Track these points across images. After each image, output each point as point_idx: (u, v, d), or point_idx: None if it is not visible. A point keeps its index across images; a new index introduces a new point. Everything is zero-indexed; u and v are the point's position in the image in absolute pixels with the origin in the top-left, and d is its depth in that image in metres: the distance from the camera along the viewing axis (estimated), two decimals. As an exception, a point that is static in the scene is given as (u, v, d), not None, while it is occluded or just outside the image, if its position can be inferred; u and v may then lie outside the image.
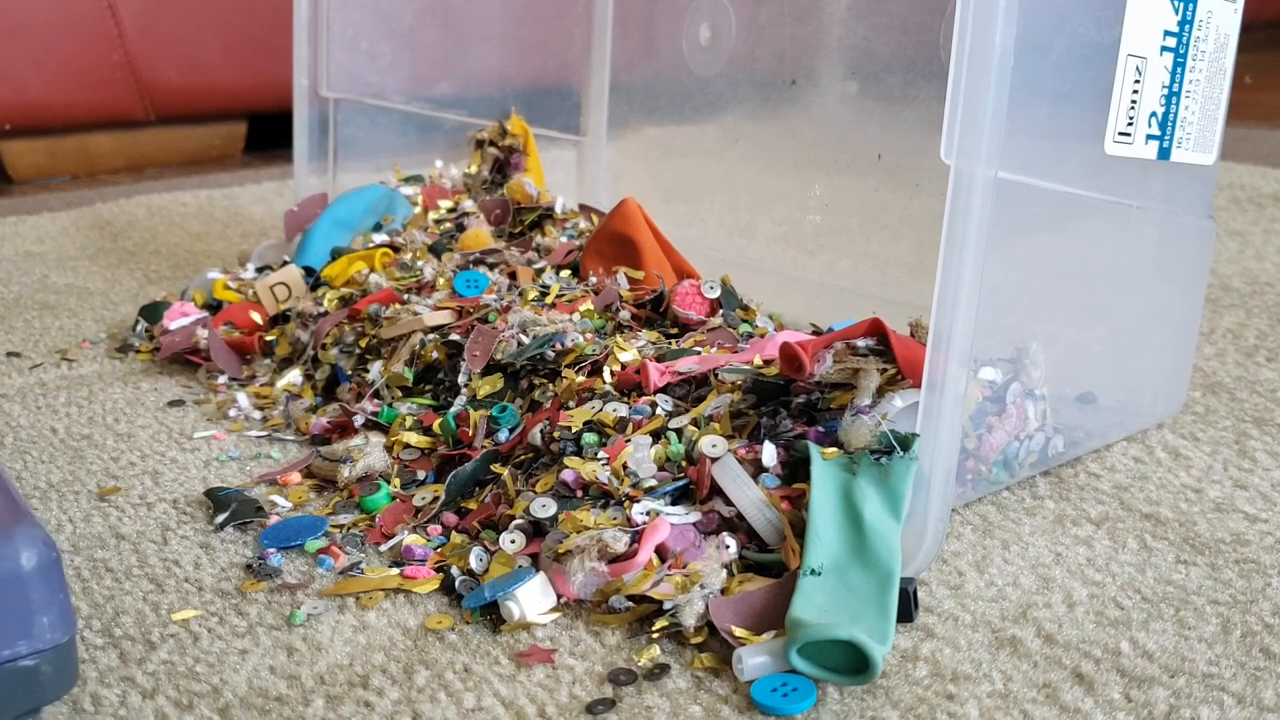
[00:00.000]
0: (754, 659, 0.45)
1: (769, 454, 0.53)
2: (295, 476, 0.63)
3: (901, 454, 0.50)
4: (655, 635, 0.48)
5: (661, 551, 0.51)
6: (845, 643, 0.44)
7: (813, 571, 0.48)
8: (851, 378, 0.53)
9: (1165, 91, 0.58)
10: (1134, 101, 0.56)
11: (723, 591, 0.49)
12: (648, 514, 0.52)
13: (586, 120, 0.98)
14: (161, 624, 0.50)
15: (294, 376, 0.75)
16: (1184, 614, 0.49)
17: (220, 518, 0.58)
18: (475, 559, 0.53)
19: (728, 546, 0.51)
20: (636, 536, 0.51)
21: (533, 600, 0.50)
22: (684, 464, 0.55)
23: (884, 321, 0.55)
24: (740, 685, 0.45)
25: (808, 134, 0.81)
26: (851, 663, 0.44)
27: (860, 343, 0.55)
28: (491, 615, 0.50)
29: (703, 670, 0.46)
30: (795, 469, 0.53)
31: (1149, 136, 0.58)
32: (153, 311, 0.85)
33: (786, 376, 0.56)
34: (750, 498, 0.52)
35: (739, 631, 0.47)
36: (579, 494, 0.55)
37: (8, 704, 0.43)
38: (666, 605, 0.48)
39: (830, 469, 0.51)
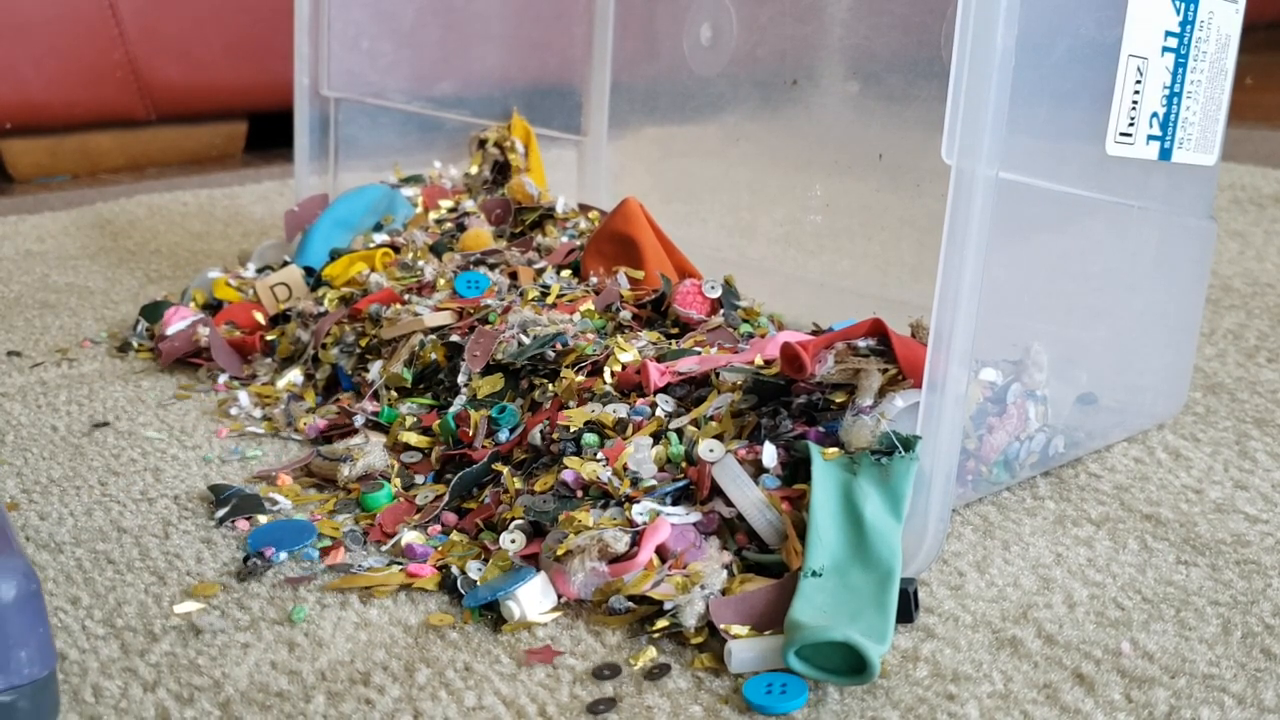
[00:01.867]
0: (743, 653, 0.45)
1: (769, 455, 0.53)
2: (288, 477, 0.63)
3: (902, 454, 0.50)
4: (656, 635, 0.48)
5: (662, 552, 0.51)
6: (844, 643, 0.44)
7: (814, 573, 0.48)
8: (853, 378, 0.53)
9: (1166, 92, 0.58)
10: (1135, 102, 0.56)
11: (723, 592, 0.49)
12: (648, 514, 0.52)
13: (587, 120, 0.98)
14: (163, 616, 0.50)
15: (295, 376, 0.75)
16: (1184, 615, 0.49)
17: (221, 512, 0.58)
18: (474, 572, 0.52)
19: (728, 547, 0.51)
20: (637, 537, 0.51)
21: (533, 600, 0.50)
22: (684, 465, 0.55)
23: (885, 322, 0.55)
24: (740, 685, 0.45)
25: (809, 134, 0.81)
26: (850, 663, 0.44)
27: (861, 343, 0.55)
28: (492, 614, 0.50)
29: (703, 670, 0.46)
30: (796, 469, 0.53)
31: (1150, 137, 0.58)
32: (153, 311, 0.85)
33: (787, 376, 0.56)
34: (750, 498, 0.52)
35: (735, 630, 0.47)
36: (579, 494, 0.55)
37: None
38: (667, 606, 0.48)
39: (831, 469, 0.51)
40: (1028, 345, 0.57)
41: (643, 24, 0.93)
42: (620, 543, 0.50)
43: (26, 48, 1.40)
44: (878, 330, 0.55)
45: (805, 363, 0.54)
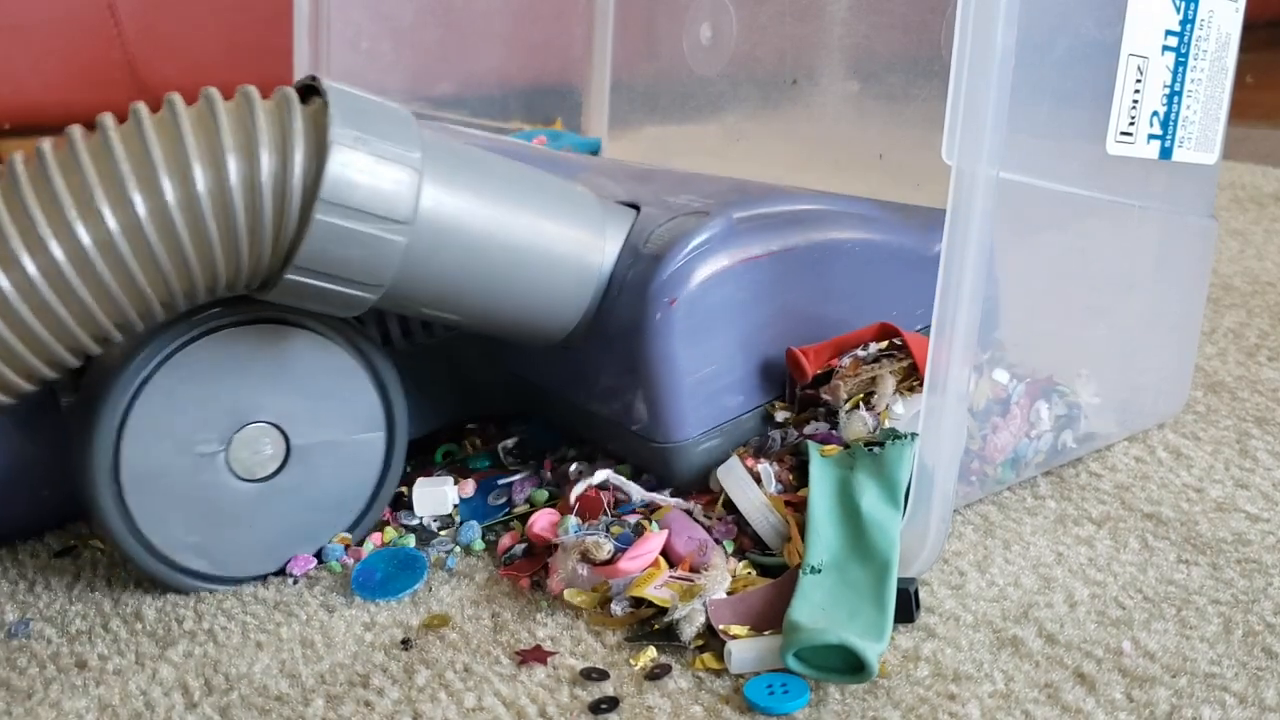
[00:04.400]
0: (744, 653, 0.45)
1: (766, 473, 0.53)
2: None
3: (894, 440, 0.50)
4: (655, 636, 0.48)
5: (669, 554, 0.51)
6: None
7: (812, 569, 0.48)
8: (870, 386, 0.54)
9: (1167, 91, 0.58)
10: (1135, 101, 0.56)
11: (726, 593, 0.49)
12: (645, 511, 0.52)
13: (588, 119, 0.98)
14: (177, 620, 0.50)
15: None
16: (1185, 614, 0.49)
17: None
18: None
19: (732, 554, 0.51)
20: (629, 541, 0.50)
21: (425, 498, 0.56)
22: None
23: (894, 324, 0.55)
24: (741, 685, 0.45)
25: (809, 134, 0.81)
26: (849, 662, 0.44)
27: (862, 351, 0.55)
28: (493, 615, 0.50)
29: (704, 670, 0.46)
30: (801, 472, 0.53)
31: (1151, 136, 0.58)
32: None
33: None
34: (753, 501, 0.51)
35: (734, 630, 0.47)
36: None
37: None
38: (671, 615, 0.48)
39: (828, 465, 0.51)
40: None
41: (642, 24, 0.93)
42: (603, 550, 0.50)
43: (25, 48, 1.40)
44: (887, 334, 0.56)
45: (806, 369, 0.54)
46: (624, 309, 0.53)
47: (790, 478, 0.53)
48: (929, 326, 0.53)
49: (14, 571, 0.55)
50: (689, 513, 0.53)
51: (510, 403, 0.63)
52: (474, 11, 1.02)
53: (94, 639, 0.49)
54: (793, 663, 0.44)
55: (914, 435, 0.50)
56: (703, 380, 0.53)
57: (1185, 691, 0.44)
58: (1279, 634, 0.47)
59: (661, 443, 0.53)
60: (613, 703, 0.44)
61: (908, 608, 0.48)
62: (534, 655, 0.47)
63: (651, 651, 0.47)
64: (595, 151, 0.92)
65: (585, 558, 0.50)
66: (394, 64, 1.02)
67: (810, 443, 0.52)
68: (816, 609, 0.46)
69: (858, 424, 0.51)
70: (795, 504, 0.52)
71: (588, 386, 0.56)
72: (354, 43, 1.00)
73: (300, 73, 0.99)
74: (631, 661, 0.46)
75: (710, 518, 0.53)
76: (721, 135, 0.87)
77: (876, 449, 0.50)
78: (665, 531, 0.51)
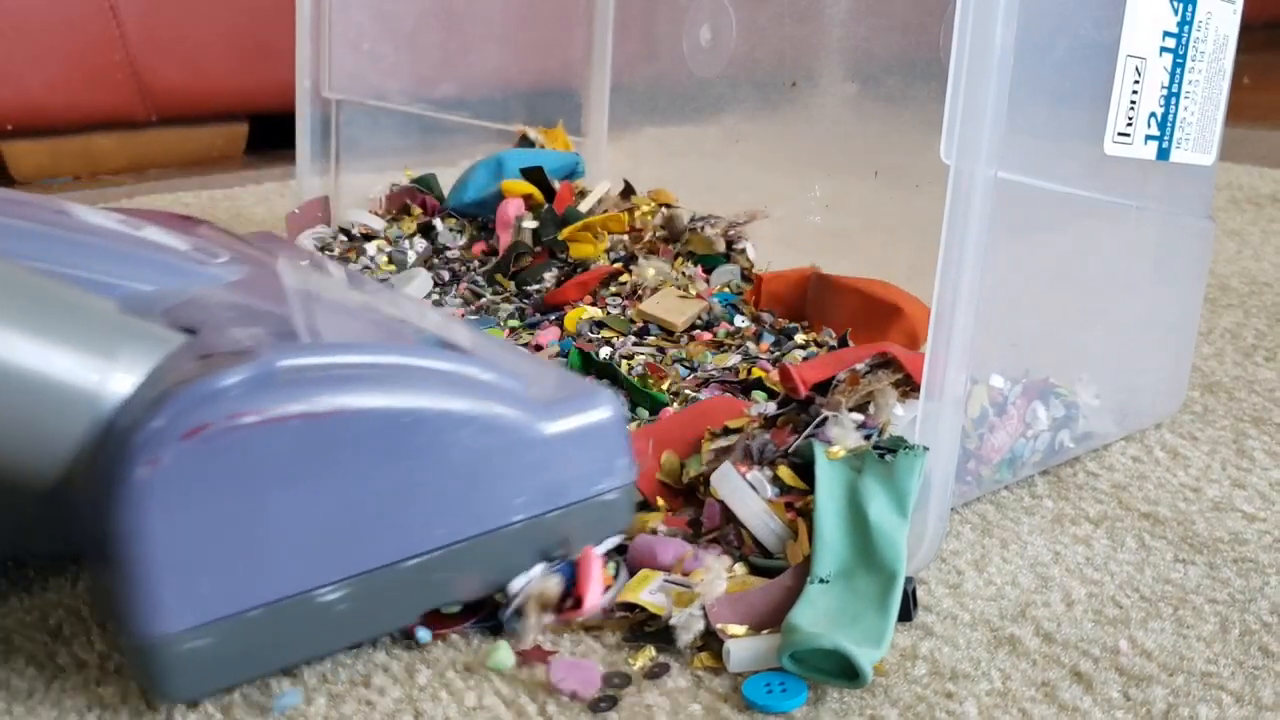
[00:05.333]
0: (742, 652, 0.45)
1: (758, 479, 0.53)
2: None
3: (906, 449, 0.50)
4: (652, 636, 0.48)
5: (648, 561, 0.51)
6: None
7: (821, 580, 0.48)
8: (867, 398, 0.54)
9: (1165, 92, 0.58)
10: (1133, 102, 0.57)
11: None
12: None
13: (588, 121, 0.98)
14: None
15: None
16: (1182, 613, 0.49)
17: None
18: None
19: (731, 554, 0.51)
20: (573, 573, 0.49)
21: None
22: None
23: (891, 346, 0.56)
24: (740, 683, 0.45)
25: (808, 135, 0.81)
26: (844, 666, 0.44)
27: (861, 366, 0.55)
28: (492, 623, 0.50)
29: (702, 669, 0.46)
30: (804, 472, 0.53)
31: (1148, 137, 0.58)
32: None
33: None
34: (753, 509, 0.52)
35: (732, 630, 0.47)
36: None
37: (594, 530, 0.50)
38: (671, 621, 0.48)
39: (835, 469, 0.51)
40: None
41: (642, 26, 0.93)
42: (553, 582, 0.48)
43: (27, 49, 1.41)
44: (884, 353, 0.56)
45: (797, 385, 0.55)
46: (109, 461, 0.42)
47: (799, 485, 0.52)
48: (528, 519, 0.48)
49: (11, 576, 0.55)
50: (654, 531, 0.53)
51: (66, 545, 0.52)
52: (475, 14, 1.03)
53: (91, 640, 0.49)
54: (788, 664, 0.44)
55: (925, 449, 0.50)
56: (194, 563, 0.42)
57: (1182, 690, 0.44)
58: (1275, 633, 0.47)
59: (130, 636, 0.42)
60: (612, 701, 0.44)
61: (905, 607, 0.48)
62: (534, 654, 0.47)
63: (650, 650, 0.47)
64: (574, 167, 0.91)
65: (544, 605, 0.48)
66: (395, 65, 1.03)
67: (815, 443, 0.52)
68: (818, 614, 0.46)
69: (847, 428, 0.52)
70: (797, 507, 0.51)
71: (84, 547, 0.46)
72: (355, 44, 1.00)
73: (302, 75, 0.99)
74: (630, 660, 0.47)
75: (698, 540, 0.53)
76: (721, 137, 0.87)
77: (888, 456, 0.50)
78: (588, 548, 0.50)
